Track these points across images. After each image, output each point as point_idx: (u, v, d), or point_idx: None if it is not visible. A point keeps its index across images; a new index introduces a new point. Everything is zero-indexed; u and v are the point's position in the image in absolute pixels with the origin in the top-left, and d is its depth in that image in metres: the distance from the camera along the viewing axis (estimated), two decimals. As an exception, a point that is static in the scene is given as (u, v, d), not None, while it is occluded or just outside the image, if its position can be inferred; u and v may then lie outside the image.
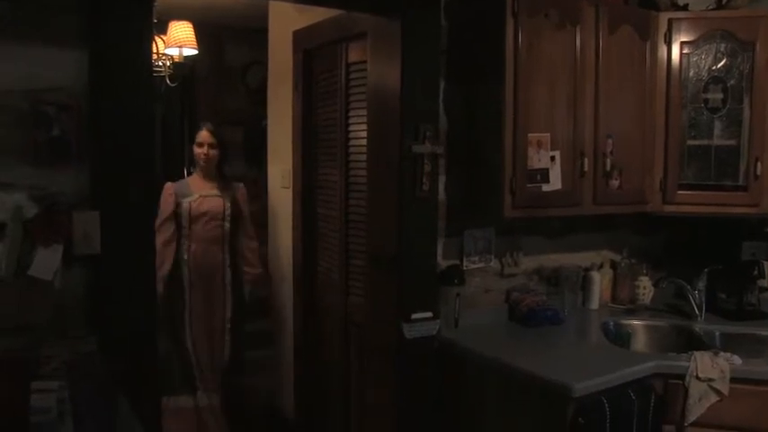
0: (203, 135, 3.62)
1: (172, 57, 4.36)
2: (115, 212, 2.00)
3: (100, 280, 2.00)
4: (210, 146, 3.60)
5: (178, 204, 3.53)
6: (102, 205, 1.99)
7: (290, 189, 3.54)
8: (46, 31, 1.92)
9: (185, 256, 3.55)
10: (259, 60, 4.57)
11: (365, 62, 2.83)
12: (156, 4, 2.16)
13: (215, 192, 3.60)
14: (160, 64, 4.25)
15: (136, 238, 2.06)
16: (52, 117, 1.92)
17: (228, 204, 3.60)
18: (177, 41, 4.28)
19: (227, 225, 3.61)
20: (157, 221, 3.22)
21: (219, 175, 3.67)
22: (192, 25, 4.32)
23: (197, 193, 3.57)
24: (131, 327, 2.04)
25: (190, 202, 3.54)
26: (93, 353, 1.86)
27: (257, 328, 3.98)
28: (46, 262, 1.90)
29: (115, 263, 2.01)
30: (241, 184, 3.78)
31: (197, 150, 3.62)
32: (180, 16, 4.30)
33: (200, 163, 3.62)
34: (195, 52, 4.45)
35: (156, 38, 4.04)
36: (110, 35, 1.99)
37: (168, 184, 3.58)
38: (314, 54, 3.34)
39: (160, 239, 3.27)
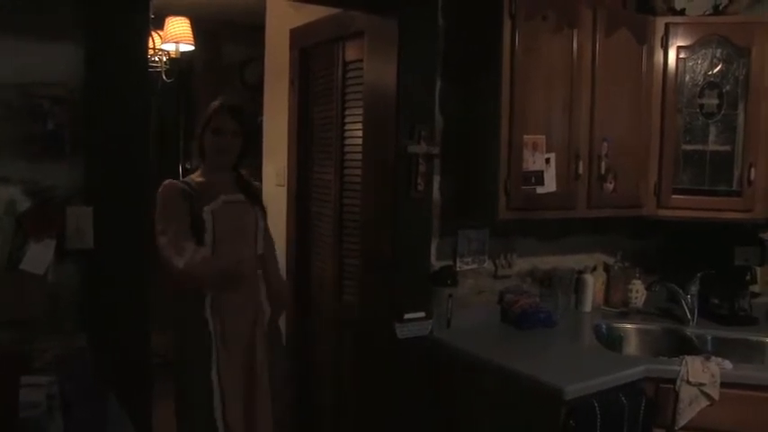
0: (225, 118, 2.44)
1: (168, 52, 4.36)
2: (109, 208, 2.00)
3: (92, 275, 2.00)
4: (234, 134, 2.45)
5: (195, 214, 2.34)
6: (95, 200, 1.98)
7: (285, 187, 3.53)
8: (41, 23, 1.92)
9: (206, 297, 2.37)
10: (256, 57, 4.56)
11: (362, 61, 2.83)
12: (153, -1, 2.16)
13: (239, 196, 2.49)
14: (156, 59, 4.24)
15: (129, 233, 2.05)
16: (46, 111, 1.91)
17: (261, 215, 2.54)
18: (174, 37, 4.28)
19: (261, 245, 2.54)
20: (165, 232, 2.27)
21: (237, 173, 2.56)
22: (188, 21, 4.32)
23: (220, 197, 2.41)
24: (123, 322, 2.03)
25: (212, 212, 2.36)
26: (85, 348, 1.86)
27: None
28: (38, 256, 1.89)
29: (108, 258, 2.00)
30: (260, 184, 2.84)
31: (213, 139, 2.43)
32: (177, 12, 4.29)
33: (212, 155, 2.46)
34: (192, 48, 4.45)
35: (153, 33, 4.03)
36: (106, 29, 1.98)
37: (172, 183, 2.40)
38: (311, 52, 3.34)
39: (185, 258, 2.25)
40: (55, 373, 1.58)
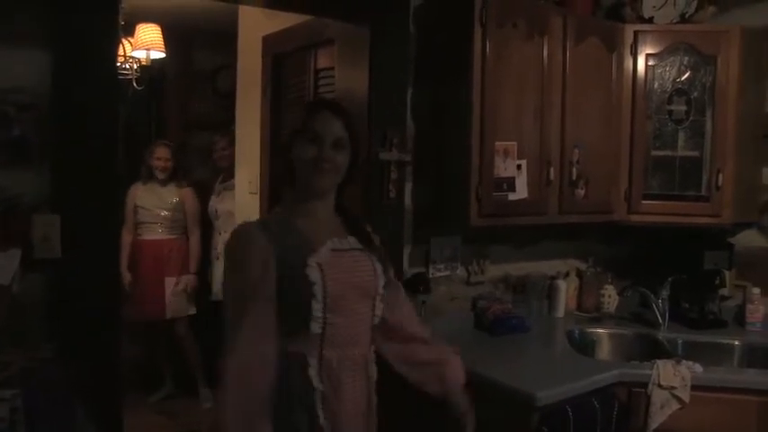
0: (325, 118, 1.63)
1: (139, 60, 4.31)
2: (77, 216, 1.96)
3: (60, 285, 1.96)
4: (337, 145, 1.63)
5: (285, 273, 1.54)
6: (63, 208, 1.94)
7: (258, 195, 3.51)
8: (7, 29, 1.88)
9: (315, 380, 1.60)
10: (228, 64, 4.53)
11: (333, 68, 2.82)
12: (122, 5, 2.13)
13: (351, 240, 1.71)
14: (127, 67, 4.19)
15: (98, 242, 2.01)
16: (12, 117, 1.88)
17: (382, 269, 1.73)
18: (145, 44, 4.23)
19: (380, 311, 1.73)
20: (235, 330, 1.50)
21: (341, 206, 1.76)
22: (159, 28, 4.28)
23: (325, 243, 1.63)
24: (91, 334, 1.99)
25: (320, 266, 1.57)
26: (51, 360, 1.82)
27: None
28: (3, 266, 1.85)
29: (76, 268, 1.96)
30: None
31: (309, 150, 1.61)
32: (148, 18, 4.25)
33: (307, 175, 1.63)
34: (163, 55, 4.40)
35: (124, 40, 3.98)
36: (75, 35, 1.95)
37: (246, 228, 1.59)
38: (283, 60, 3.32)
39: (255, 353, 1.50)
40: (19, 386, 1.54)
